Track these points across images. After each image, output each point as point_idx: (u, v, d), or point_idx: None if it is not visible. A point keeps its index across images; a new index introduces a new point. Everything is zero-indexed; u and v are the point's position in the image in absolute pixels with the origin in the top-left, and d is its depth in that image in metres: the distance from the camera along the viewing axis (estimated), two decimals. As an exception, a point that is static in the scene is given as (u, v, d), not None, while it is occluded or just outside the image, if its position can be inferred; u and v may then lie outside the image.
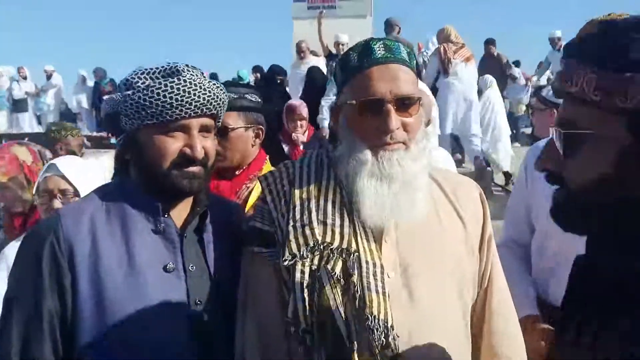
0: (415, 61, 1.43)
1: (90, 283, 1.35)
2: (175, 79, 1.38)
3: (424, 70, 8.64)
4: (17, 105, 13.46)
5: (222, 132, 2.08)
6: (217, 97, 1.44)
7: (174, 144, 1.40)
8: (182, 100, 1.37)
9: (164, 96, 1.36)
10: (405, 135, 1.34)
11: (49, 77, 13.79)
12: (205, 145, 1.43)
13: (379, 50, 1.36)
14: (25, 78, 14.16)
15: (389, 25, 9.51)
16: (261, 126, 2.22)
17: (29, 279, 1.36)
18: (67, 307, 1.35)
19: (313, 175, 1.41)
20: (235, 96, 2.10)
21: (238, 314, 1.41)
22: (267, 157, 2.29)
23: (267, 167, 2.21)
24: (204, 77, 1.45)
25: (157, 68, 1.44)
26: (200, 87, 1.40)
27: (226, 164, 2.15)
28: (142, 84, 1.41)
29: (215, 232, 1.51)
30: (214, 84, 1.45)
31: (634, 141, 0.86)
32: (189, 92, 1.38)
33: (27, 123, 13.39)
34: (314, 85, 7.32)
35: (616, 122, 0.87)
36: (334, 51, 9.30)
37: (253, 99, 2.20)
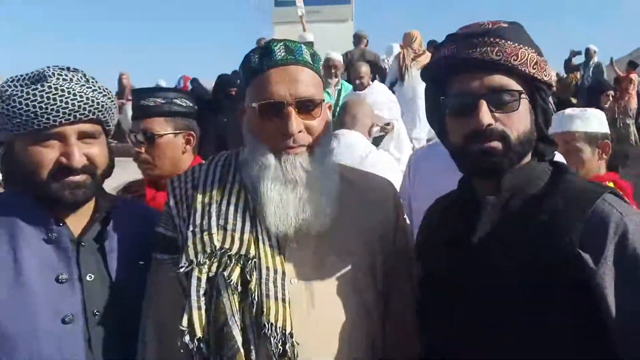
0: (319, 63, 1.40)
1: None
2: (39, 86, 1.33)
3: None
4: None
5: (149, 140, 2.04)
6: (94, 101, 1.37)
7: (49, 154, 1.34)
8: (46, 108, 1.31)
9: (27, 104, 1.31)
10: (309, 139, 1.32)
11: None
12: (88, 152, 1.37)
13: (279, 51, 1.33)
14: None
15: (356, 38, 9.90)
16: (192, 132, 2.15)
17: None
18: None
19: (217, 178, 1.38)
20: (163, 101, 2.06)
21: (141, 321, 1.38)
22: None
23: None
24: (87, 80, 1.40)
25: (25, 75, 1.38)
26: (69, 93, 1.34)
27: (157, 172, 2.09)
28: (6, 92, 1.35)
29: (119, 239, 1.45)
30: (90, 88, 1.39)
31: None
32: (54, 99, 1.32)
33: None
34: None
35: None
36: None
37: (183, 104, 2.12)
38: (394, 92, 7.74)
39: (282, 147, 1.30)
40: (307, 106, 1.31)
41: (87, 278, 1.37)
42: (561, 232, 1.13)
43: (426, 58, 8.08)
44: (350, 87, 6.42)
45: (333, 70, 6.49)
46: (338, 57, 6.88)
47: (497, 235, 1.22)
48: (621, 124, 10.03)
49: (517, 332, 1.15)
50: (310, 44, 8.76)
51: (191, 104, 2.15)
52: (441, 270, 1.29)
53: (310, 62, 1.35)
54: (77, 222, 1.41)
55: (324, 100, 1.35)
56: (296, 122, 1.28)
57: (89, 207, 1.43)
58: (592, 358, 1.12)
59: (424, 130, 7.51)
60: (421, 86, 8.24)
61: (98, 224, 1.43)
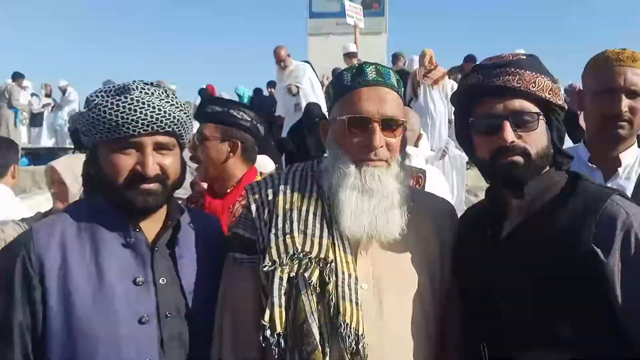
0: (402, 88, 1.53)
1: (59, 298, 1.37)
2: (123, 97, 1.42)
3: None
4: (34, 120, 13.61)
5: (200, 142, 2.22)
6: (170, 115, 1.46)
7: (126, 161, 1.43)
8: (127, 118, 1.40)
9: (110, 114, 1.41)
10: (388, 154, 1.43)
11: (63, 92, 13.88)
12: (162, 162, 1.46)
13: (371, 73, 1.46)
14: (49, 95, 14.35)
15: (394, 57, 10.45)
16: (238, 141, 2.25)
17: (0, 294, 1.38)
18: (38, 322, 1.37)
19: (297, 186, 1.48)
20: (219, 109, 2.22)
21: (216, 318, 1.47)
22: (259, 173, 2.35)
23: None
24: (167, 95, 1.49)
25: (112, 86, 1.48)
26: (149, 106, 1.43)
27: (203, 173, 2.26)
28: (94, 102, 1.45)
29: (188, 246, 1.54)
30: (169, 103, 1.47)
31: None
32: (135, 110, 1.41)
33: (43, 137, 13.51)
34: (308, 121, 7.02)
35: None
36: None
37: (238, 115, 2.25)
38: (411, 108, 8.32)
39: (364, 158, 1.41)
40: (390, 124, 1.43)
41: (160, 281, 1.45)
42: (577, 230, 1.31)
43: (437, 72, 8.49)
44: None
45: None
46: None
47: (521, 234, 1.40)
48: None
49: (540, 319, 1.32)
50: (353, 54, 9.00)
51: (248, 118, 2.26)
52: (474, 269, 1.46)
53: (396, 86, 1.49)
54: (151, 228, 1.49)
55: (404, 121, 1.48)
56: (379, 137, 1.40)
57: (162, 214, 1.52)
58: (602, 337, 1.29)
59: (426, 147, 7.79)
60: (431, 103, 8.31)
61: (170, 231, 1.51)
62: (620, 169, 1.93)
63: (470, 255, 1.49)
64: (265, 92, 12.29)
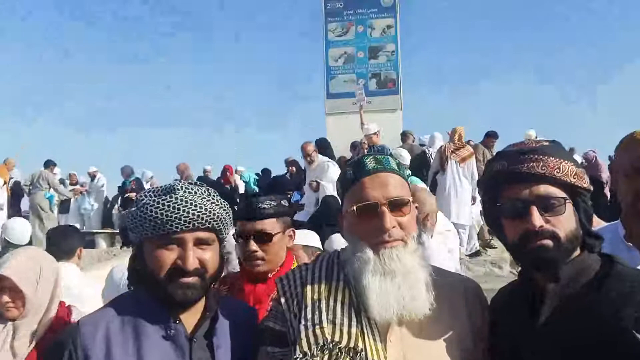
0: (404, 170, 1.60)
1: None
2: (168, 197, 1.52)
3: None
4: (61, 207, 13.94)
5: (265, 239, 2.25)
6: (211, 212, 1.55)
7: (169, 256, 1.51)
8: (171, 216, 1.49)
9: (156, 212, 1.50)
10: (402, 233, 1.47)
11: (92, 177, 14.29)
12: (201, 257, 1.53)
13: (370, 163, 1.54)
14: (74, 184, 14.76)
15: (403, 135, 10.97)
16: (293, 229, 2.39)
17: None
18: None
19: (324, 276, 1.52)
20: (274, 203, 2.30)
21: None
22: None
23: None
24: (209, 194, 1.58)
25: (159, 187, 1.59)
26: (192, 204, 1.52)
27: (267, 268, 2.27)
28: (142, 201, 1.55)
29: (225, 336, 1.57)
30: (209, 201, 1.57)
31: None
32: (179, 209, 1.50)
33: (70, 222, 13.80)
34: (327, 213, 7.11)
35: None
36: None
37: (286, 204, 2.38)
38: (436, 181, 8.69)
39: (380, 242, 1.45)
40: (397, 205, 1.48)
41: None
42: (618, 316, 1.31)
43: (466, 151, 8.85)
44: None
45: None
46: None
47: (559, 320, 1.40)
48: None
49: None
50: (374, 134, 9.29)
51: (287, 204, 2.38)
52: (512, 354, 1.45)
53: (397, 169, 1.55)
54: (190, 319, 1.54)
55: (411, 200, 1.52)
56: (390, 219, 1.45)
57: (200, 305, 1.58)
58: None
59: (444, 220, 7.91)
60: (458, 179, 8.78)
61: (207, 322, 1.56)
62: None
63: (508, 340, 1.48)
64: (278, 171, 12.51)
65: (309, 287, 1.49)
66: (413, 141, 10.82)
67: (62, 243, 3.70)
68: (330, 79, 13.67)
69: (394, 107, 13.35)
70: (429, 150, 10.54)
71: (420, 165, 9.81)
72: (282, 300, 1.51)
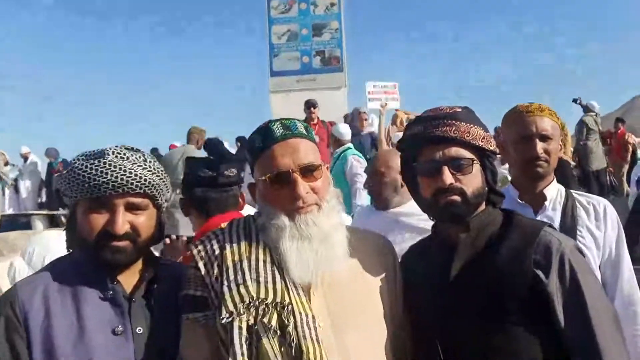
0: (312, 134, 1.59)
1: (43, 350, 1.44)
2: (97, 161, 1.54)
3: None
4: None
5: None
6: (142, 177, 1.56)
7: (98, 220, 1.53)
8: (99, 180, 1.51)
9: (83, 176, 1.52)
10: (315, 197, 1.50)
11: (25, 159, 13.71)
12: (133, 221, 1.56)
13: (278, 129, 1.52)
14: (7, 164, 14.14)
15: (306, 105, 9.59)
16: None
17: None
18: None
19: (243, 238, 1.53)
20: (235, 171, 2.42)
21: None
22: None
23: None
24: (144, 159, 1.59)
25: (90, 151, 1.59)
26: (120, 169, 1.53)
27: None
28: (72, 164, 1.57)
29: (165, 298, 1.59)
30: (141, 166, 1.57)
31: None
32: (107, 173, 1.52)
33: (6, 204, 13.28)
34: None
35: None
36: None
37: (241, 174, 2.49)
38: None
39: (294, 208, 1.47)
40: (309, 170, 1.49)
41: (137, 331, 1.52)
42: (520, 259, 1.51)
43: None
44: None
45: None
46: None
47: (471, 266, 1.58)
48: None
49: (495, 337, 1.49)
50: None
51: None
52: (427, 301, 1.60)
53: (306, 133, 1.55)
54: (128, 281, 1.58)
55: (322, 163, 1.54)
56: (302, 186, 1.46)
57: (138, 267, 1.61)
58: (548, 346, 1.49)
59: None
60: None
61: (145, 283, 1.60)
62: (546, 203, 2.21)
63: (422, 293, 1.62)
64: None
65: (228, 250, 1.49)
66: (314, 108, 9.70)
67: None
68: (274, 56, 13.57)
69: (339, 84, 13.42)
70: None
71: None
72: (200, 265, 1.50)
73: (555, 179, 2.28)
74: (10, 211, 12.76)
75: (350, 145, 6.85)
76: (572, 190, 2.28)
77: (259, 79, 14.03)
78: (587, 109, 10.25)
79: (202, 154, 8.08)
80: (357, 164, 6.38)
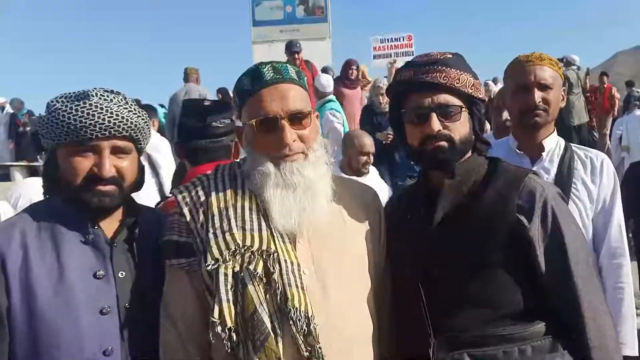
0: (304, 79, 1.55)
1: (22, 294, 1.43)
2: (81, 103, 1.49)
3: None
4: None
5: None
6: (128, 120, 1.53)
7: (83, 163, 1.50)
8: (85, 122, 1.48)
9: (69, 118, 1.48)
10: (302, 146, 1.48)
11: (2, 109, 13.33)
12: (118, 165, 1.54)
13: (268, 72, 1.48)
14: None
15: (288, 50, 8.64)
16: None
17: None
18: (2, 318, 1.42)
19: (228, 185, 1.51)
20: (228, 121, 2.40)
21: (161, 325, 1.49)
22: None
23: None
24: (126, 102, 1.56)
25: (72, 93, 1.54)
26: (107, 111, 1.50)
27: None
28: (54, 106, 1.52)
29: (146, 243, 1.59)
30: (126, 109, 1.54)
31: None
32: (93, 115, 1.48)
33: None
34: None
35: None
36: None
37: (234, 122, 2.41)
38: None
39: (280, 156, 1.45)
40: (298, 118, 1.46)
41: (119, 275, 1.52)
42: (503, 203, 1.53)
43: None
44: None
45: None
46: None
47: (455, 211, 1.58)
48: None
49: (476, 281, 1.51)
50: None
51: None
52: (411, 247, 1.60)
53: (297, 78, 1.51)
54: (109, 225, 1.57)
55: (311, 111, 1.52)
56: (290, 133, 1.44)
57: (119, 213, 1.60)
58: (528, 292, 1.52)
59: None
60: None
61: (126, 229, 1.59)
62: (544, 154, 2.21)
63: (404, 241, 1.63)
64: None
65: (213, 196, 1.47)
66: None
67: None
68: (256, 5, 13.20)
69: (323, 35, 13.17)
70: None
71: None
72: (185, 211, 1.48)
73: (555, 131, 2.27)
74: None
75: (331, 97, 6.73)
76: (571, 144, 2.28)
77: (242, 29, 13.64)
78: (567, 63, 10.23)
79: (203, 88, 8.44)
80: (334, 118, 6.25)
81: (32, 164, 11.89)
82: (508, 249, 1.50)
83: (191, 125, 2.36)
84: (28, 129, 11.46)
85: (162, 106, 13.09)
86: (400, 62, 7.61)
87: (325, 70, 9.32)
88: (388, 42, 7.96)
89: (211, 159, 2.34)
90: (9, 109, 13.37)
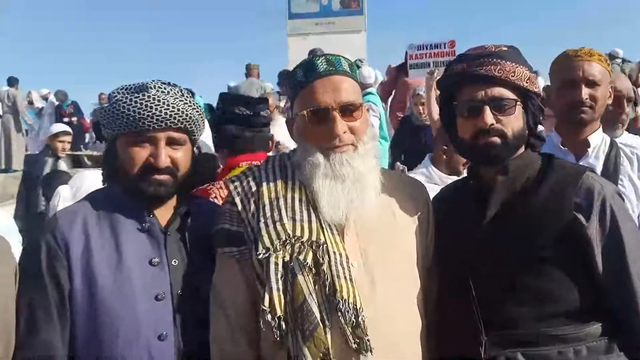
0: (356, 72, 1.58)
1: (83, 279, 1.49)
2: (141, 95, 1.55)
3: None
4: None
5: None
6: (184, 112, 1.58)
7: (141, 153, 1.56)
8: (143, 114, 1.53)
9: (128, 109, 1.54)
10: (352, 138, 1.49)
11: (45, 99, 13.76)
12: (173, 156, 1.58)
13: (322, 64, 1.51)
14: (32, 103, 14.21)
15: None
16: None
17: (30, 276, 1.50)
18: (65, 300, 1.48)
19: (279, 176, 1.53)
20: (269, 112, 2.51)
21: (211, 313, 1.51)
22: None
23: None
24: (182, 94, 1.60)
25: (132, 84, 1.60)
26: (164, 103, 1.55)
27: None
28: (115, 97, 1.58)
29: (196, 231, 1.63)
30: (182, 101, 1.59)
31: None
32: (151, 107, 1.53)
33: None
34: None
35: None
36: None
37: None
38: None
39: (330, 147, 1.47)
40: (349, 110, 1.48)
41: (172, 263, 1.56)
42: (559, 201, 1.50)
43: None
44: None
45: None
46: None
47: (507, 209, 1.56)
48: None
49: (529, 277, 1.49)
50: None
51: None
52: (462, 239, 1.58)
53: (349, 71, 1.53)
54: (163, 214, 1.62)
55: (362, 104, 1.53)
56: (340, 124, 1.46)
57: (172, 202, 1.64)
58: (584, 291, 1.49)
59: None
60: None
61: (179, 218, 1.63)
62: (589, 150, 2.17)
63: (454, 237, 1.61)
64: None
65: (264, 187, 1.50)
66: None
67: None
68: (292, -3, 13.20)
69: (358, 28, 13.11)
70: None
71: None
72: (237, 200, 1.51)
73: (601, 127, 2.23)
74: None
75: (372, 90, 6.70)
76: (617, 140, 2.24)
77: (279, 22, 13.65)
78: (610, 57, 9.90)
79: (264, 82, 9.53)
80: (370, 111, 6.17)
81: (76, 152, 12.24)
82: (563, 246, 1.48)
83: (239, 113, 2.39)
84: (74, 119, 11.73)
85: (200, 97, 13.28)
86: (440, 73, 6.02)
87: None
88: (427, 49, 6.76)
89: (252, 150, 2.39)
90: (52, 99, 13.78)
